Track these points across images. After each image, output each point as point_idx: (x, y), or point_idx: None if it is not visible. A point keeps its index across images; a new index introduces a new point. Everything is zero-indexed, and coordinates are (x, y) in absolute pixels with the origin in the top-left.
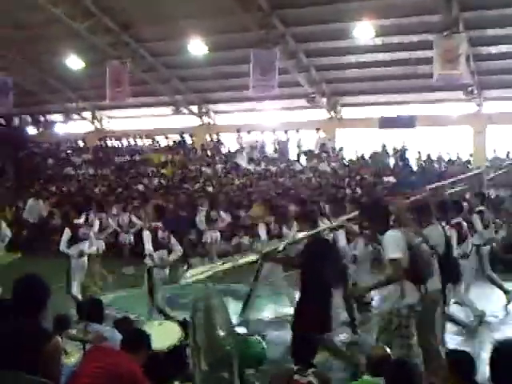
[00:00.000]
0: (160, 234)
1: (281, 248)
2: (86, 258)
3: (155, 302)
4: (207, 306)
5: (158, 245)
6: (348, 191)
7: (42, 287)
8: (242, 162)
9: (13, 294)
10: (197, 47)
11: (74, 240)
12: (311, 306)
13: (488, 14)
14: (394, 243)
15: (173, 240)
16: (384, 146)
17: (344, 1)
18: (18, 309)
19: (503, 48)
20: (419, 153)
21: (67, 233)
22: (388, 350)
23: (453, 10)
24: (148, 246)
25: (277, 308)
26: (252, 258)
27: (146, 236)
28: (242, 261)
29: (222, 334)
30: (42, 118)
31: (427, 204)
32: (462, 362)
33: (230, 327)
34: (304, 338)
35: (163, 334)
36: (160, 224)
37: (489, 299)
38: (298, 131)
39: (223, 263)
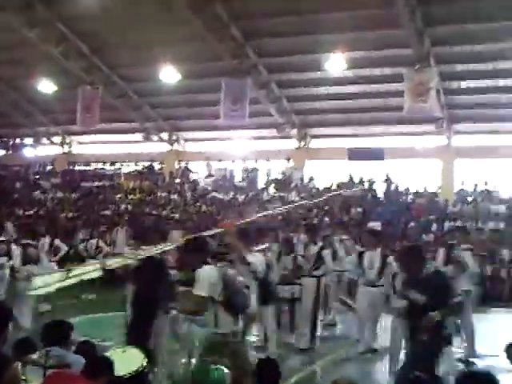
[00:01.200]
0: (30, 250)
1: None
2: (6, 272)
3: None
4: (171, 332)
5: (27, 259)
6: (315, 221)
7: (2, 311)
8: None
9: None
10: (169, 75)
11: None
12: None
13: (458, 49)
14: (203, 281)
15: (41, 254)
16: (351, 177)
17: (317, 33)
18: None
19: (472, 83)
20: (387, 183)
21: None
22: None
23: (424, 45)
24: (16, 262)
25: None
26: (96, 272)
27: (16, 251)
28: (87, 274)
29: (182, 360)
30: (11, 141)
31: (247, 230)
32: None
33: (193, 355)
34: (268, 362)
35: (126, 361)
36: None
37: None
38: (268, 160)
39: (67, 274)
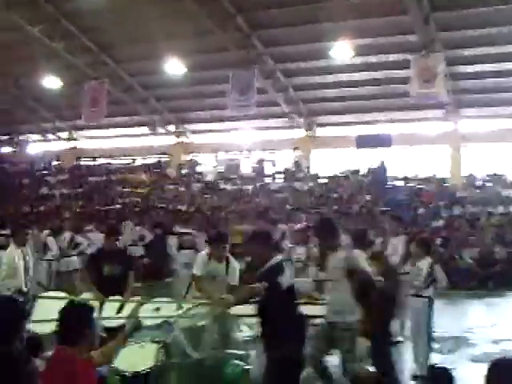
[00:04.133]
0: None
1: None
2: None
3: None
4: (189, 325)
5: None
6: (326, 209)
7: (17, 309)
8: (210, 176)
9: None
10: (174, 67)
11: None
12: None
13: (464, 34)
14: None
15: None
16: (359, 166)
17: (322, 21)
18: None
19: (479, 67)
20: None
21: None
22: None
23: (430, 30)
24: None
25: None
26: None
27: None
28: None
29: (199, 354)
30: (18, 138)
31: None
32: (441, 378)
33: (209, 348)
34: (282, 361)
35: (144, 356)
36: None
37: (466, 316)
38: (273, 151)
39: None
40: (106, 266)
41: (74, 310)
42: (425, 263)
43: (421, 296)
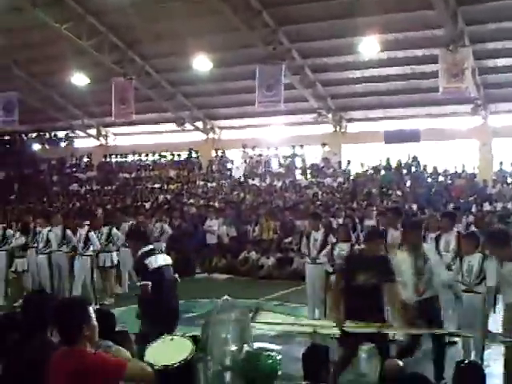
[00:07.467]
0: None
1: None
2: None
3: None
4: (220, 320)
5: None
6: (355, 205)
7: (51, 302)
8: (237, 173)
9: (23, 310)
10: (202, 63)
11: None
12: None
13: (493, 27)
14: None
15: None
16: (388, 161)
17: (349, 16)
18: (29, 324)
19: (508, 61)
20: (425, 166)
21: None
22: (401, 363)
23: (458, 24)
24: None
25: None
26: None
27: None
28: None
29: (233, 348)
30: (47, 135)
31: None
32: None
33: (243, 341)
34: (313, 352)
35: (175, 349)
36: None
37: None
38: (302, 147)
39: None
40: (360, 275)
41: (66, 308)
42: (476, 258)
43: (473, 292)
